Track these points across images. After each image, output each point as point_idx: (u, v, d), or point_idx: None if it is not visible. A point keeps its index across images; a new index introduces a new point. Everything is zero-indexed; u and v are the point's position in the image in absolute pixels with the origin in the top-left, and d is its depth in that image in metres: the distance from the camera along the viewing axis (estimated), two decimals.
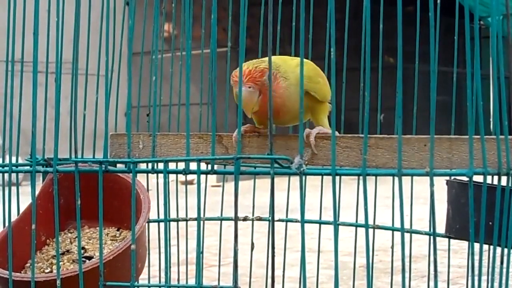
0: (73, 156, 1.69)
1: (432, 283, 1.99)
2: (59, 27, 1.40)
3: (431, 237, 1.70)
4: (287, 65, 1.47)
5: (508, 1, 1.15)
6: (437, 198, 1.16)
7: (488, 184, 1.12)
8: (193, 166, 1.20)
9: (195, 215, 1.27)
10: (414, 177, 1.35)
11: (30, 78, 1.23)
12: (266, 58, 1.33)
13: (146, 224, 1.53)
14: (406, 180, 1.33)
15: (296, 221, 2.03)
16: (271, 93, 1.17)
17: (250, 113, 1.44)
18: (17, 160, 1.52)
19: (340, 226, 1.89)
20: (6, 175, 1.45)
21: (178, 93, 2.03)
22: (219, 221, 2.16)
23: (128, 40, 1.37)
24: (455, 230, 1.72)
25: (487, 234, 1.11)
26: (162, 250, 1.97)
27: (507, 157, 1.14)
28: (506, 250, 1.17)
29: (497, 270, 1.17)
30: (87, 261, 1.41)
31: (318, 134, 1.41)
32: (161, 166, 1.27)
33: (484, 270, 1.77)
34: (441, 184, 1.60)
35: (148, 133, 1.60)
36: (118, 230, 1.58)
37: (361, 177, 1.08)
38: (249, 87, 1.40)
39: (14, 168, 1.39)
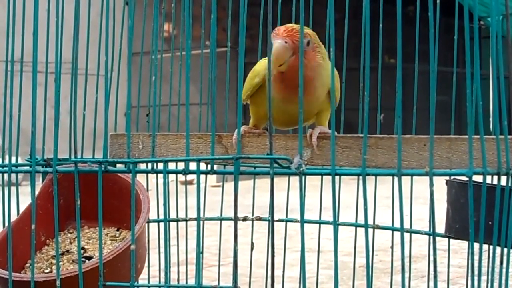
0: (72, 156, 1.69)
1: (432, 283, 2.00)
2: (58, 26, 1.40)
3: (431, 237, 1.70)
4: (324, 48, 1.46)
5: (507, 1, 1.15)
6: (437, 198, 1.16)
7: (488, 184, 1.11)
8: (192, 166, 1.20)
9: (195, 215, 1.27)
10: (414, 177, 1.35)
11: (29, 78, 1.23)
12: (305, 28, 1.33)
13: (146, 224, 1.53)
14: (406, 180, 1.32)
15: (296, 221, 2.03)
16: (270, 90, 1.16)
17: (276, 69, 1.37)
18: (16, 160, 1.52)
19: (340, 226, 1.89)
20: (5, 175, 1.45)
21: (177, 93, 2.03)
22: (219, 221, 2.16)
23: (128, 40, 1.37)
24: (455, 230, 1.72)
25: (487, 234, 1.11)
26: (162, 250, 1.97)
27: (506, 157, 1.13)
28: (505, 250, 1.17)
29: (496, 270, 1.16)
30: (87, 261, 1.41)
31: (319, 134, 1.41)
32: (160, 166, 1.27)
33: (484, 270, 1.77)
34: (440, 184, 1.60)
35: (148, 133, 1.60)
36: (117, 230, 1.58)
37: (360, 177, 1.08)
38: (285, 42, 1.34)
39: (13, 168, 1.39)
